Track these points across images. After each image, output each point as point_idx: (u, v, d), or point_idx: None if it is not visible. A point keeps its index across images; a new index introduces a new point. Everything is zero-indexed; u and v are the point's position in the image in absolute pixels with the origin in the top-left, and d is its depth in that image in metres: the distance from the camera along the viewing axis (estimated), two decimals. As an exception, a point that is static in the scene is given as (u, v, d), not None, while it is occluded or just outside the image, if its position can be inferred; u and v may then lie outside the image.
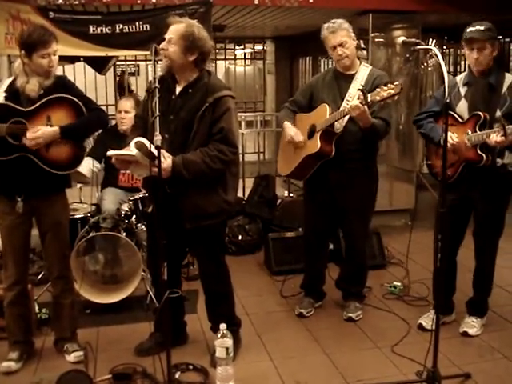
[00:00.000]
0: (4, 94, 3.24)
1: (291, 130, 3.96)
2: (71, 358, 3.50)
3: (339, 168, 3.87)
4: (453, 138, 3.50)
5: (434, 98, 3.90)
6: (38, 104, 3.23)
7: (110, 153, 3.19)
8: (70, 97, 3.31)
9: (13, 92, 3.25)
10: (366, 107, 3.53)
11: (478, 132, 3.46)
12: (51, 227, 3.42)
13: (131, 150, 3.10)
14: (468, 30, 3.46)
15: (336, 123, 3.79)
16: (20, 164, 3.22)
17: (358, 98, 3.56)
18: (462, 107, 3.59)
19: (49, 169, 3.27)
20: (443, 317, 3.80)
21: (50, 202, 3.40)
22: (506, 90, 3.48)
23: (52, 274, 3.54)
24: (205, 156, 3.16)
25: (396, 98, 3.53)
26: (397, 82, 3.45)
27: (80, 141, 3.41)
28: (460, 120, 3.59)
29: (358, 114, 3.56)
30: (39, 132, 3.19)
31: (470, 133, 3.49)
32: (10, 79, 3.34)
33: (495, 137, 3.30)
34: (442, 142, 3.31)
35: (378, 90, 3.49)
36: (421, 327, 3.89)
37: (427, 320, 3.86)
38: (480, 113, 3.48)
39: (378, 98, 3.47)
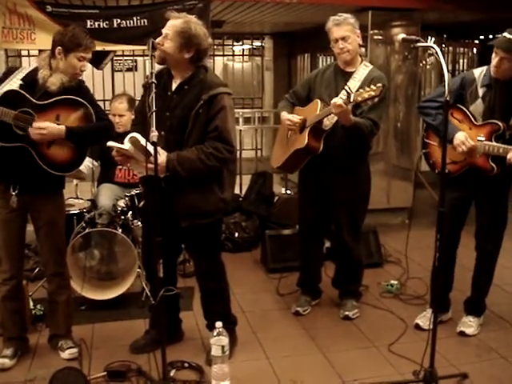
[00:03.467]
0: (20, 82, 3.20)
1: (288, 115, 3.95)
2: (65, 354, 3.47)
3: (329, 165, 3.87)
4: (469, 140, 3.42)
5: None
6: (51, 100, 3.21)
7: (110, 143, 3.17)
8: (84, 102, 3.29)
9: (30, 81, 3.22)
10: (349, 107, 3.52)
11: (494, 143, 3.38)
12: (45, 224, 3.39)
13: (125, 144, 3.08)
14: (503, 34, 3.31)
15: (325, 120, 3.78)
16: (18, 155, 3.19)
17: (342, 97, 3.56)
18: (478, 108, 3.51)
19: (45, 166, 3.23)
20: (440, 315, 3.78)
21: (44, 199, 3.36)
22: None
23: (47, 271, 3.52)
24: (200, 153, 3.13)
25: (376, 99, 3.54)
26: (379, 84, 3.44)
27: (82, 147, 3.37)
28: (474, 121, 3.51)
29: (338, 112, 3.54)
30: (45, 125, 3.16)
31: (483, 139, 3.40)
32: (31, 68, 3.30)
33: None
34: (454, 141, 3.37)
35: (362, 90, 3.49)
36: (417, 327, 3.88)
37: (424, 320, 3.85)
38: (499, 123, 3.40)
39: (359, 98, 3.47)
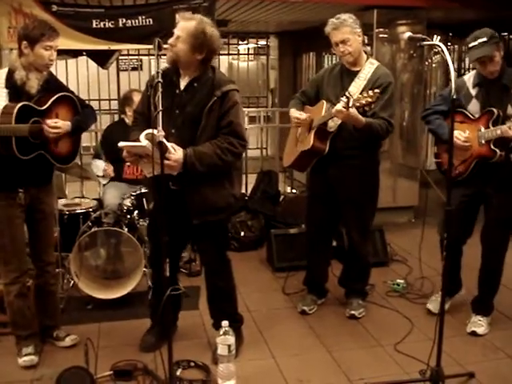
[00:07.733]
0: (6, 91, 3.21)
1: (296, 112, 3.96)
2: (67, 342, 3.55)
3: (337, 165, 3.88)
4: (461, 134, 3.57)
5: (440, 95, 3.93)
6: (49, 103, 3.28)
7: (121, 144, 3.15)
8: (71, 95, 3.45)
9: (12, 87, 3.23)
10: (353, 110, 3.52)
11: (492, 128, 3.48)
12: (49, 215, 3.49)
13: (142, 141, 3.06)
14: (471, 45, 3.44)
15: (330, 122, 3.78)
16: (32, 160, 3.23)
17: (343, 100, 3.58)
18: (474, 107, 3.62)
19: (58, 164, 3.40)
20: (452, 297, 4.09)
21: (47, 191, 3.47)
22: None
23: (44, 262, 3.52)
24: (216, 148, 3.15)
25: (373, 106, 3.59)
26: (377, 90, 3.49)
27: (78, 135, 3.54)
28: (472, 117, 3.62)
29: (342, 117, 3.59)
30: (60, 123, 3.30)
31: (482, 129, 3.52)
32: (5, 72, 3.28)
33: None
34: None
35: (360, 96, 3.52)
36: (429, 312, 4.05)
37: (434, 304, 4.02)
38: (494, 109, 3.50)
39: (357, 104, 3.50)
